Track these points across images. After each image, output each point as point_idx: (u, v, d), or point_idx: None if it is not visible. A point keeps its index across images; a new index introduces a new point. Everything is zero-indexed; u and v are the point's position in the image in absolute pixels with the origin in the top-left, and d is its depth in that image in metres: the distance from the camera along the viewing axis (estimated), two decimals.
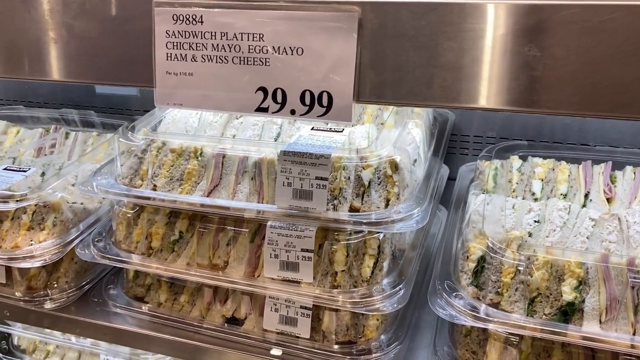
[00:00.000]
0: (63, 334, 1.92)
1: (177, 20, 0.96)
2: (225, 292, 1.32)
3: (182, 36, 0.96)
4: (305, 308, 1.23)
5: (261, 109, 0.95)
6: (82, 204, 1.51)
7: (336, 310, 1.21)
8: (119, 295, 1.43)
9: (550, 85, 0.78)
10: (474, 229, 1.18)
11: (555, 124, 1.68)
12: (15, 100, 2.22)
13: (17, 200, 1.40)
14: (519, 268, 1.07)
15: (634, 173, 1.30)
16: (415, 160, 1.30)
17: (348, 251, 1.18)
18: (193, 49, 0.96)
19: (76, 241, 1.42)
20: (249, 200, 1.23)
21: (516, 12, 0.77)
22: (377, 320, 1.23)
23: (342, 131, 1.28)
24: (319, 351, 1.23)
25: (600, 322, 1.02)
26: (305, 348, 1.24)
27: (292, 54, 0.91)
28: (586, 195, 1.28)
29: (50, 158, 1.68)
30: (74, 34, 1.03)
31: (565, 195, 1.28)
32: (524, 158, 1.41)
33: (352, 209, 1.17)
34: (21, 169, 1.57)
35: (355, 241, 1.18)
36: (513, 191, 1.32)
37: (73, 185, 1.52)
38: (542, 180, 1.33)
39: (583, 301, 1.03)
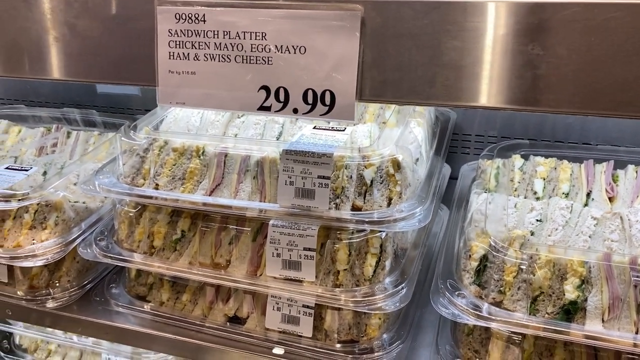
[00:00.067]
0: (65, 333, 1.92)
1: (179, 19, 0.96)
2: (228, 291, 1.33)
3: (184, 35, 0.96)
4: (308, 307, 1.23)
5: (264, 108, 0.95)
6: (84, 203, 1.51)
7: (338, 309, 1.21)
8: (121, 294, 1.43)
9: (553, 83, 0.78)
10: (476, 228, 1.18)
11: (557, 123, 1.68)
12: (16, 100, 2.22)
13: (19, 200, 1.40)
14: (522, 267, 1.07)
15: (636, 172, 1.30)
16: (417, 159, 1.30)
17: (350, 250, 1.18)
18: (195, 48, 0.96)
19: (78, 240, 1.42)
20: (251, 199, 1.23)
21: (519, 11, 0.77)
22: (380, 319, 1.23)
23: (344, 130, 1.28)
24: (321, 350, 1.23)
25: (603, 320, 1.02)
26: (307, 347, 1.24)
27: (294, 53, 0.91)
28: (588, 194, 1.28)
29: (51, 157, 1.68)
30: (76, 33, 1.02)
31: (567, 194, 1.28)
32: (525, 157, 1.41)
33: (355, 208, 1.17)
34: (23, 168, 1.57)
35: (358, 240, 1.18)
36: (515, 190, 1.32)
37: (75, 184, 1.52)
38: (544, 179, 1.33)
39: (585, 300, 1.03)
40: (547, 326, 1.03)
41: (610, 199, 1.26)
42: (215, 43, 0.95)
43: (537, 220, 1.19)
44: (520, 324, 1.04)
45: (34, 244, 1.39)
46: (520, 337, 1.09)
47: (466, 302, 1.08)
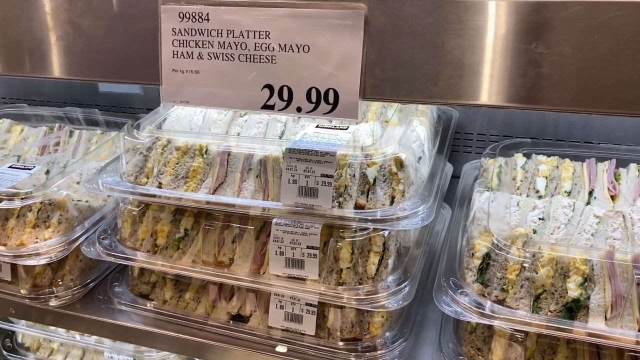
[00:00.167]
0: (67, 331, 1.92)
1: (183, 17, 0.96)
2: (231, 289, 1.33)
3: (188, 34, 0.96)
4: (311, 305, 1.24)
5: (267, 107, 0.95)
6: (87, 201, 1.51)
7: (341, 308, 1.22)
8: (124, 293, 1.43)
9: (556, 82, 0.78)
10: (478, 226, 1.19)
11: (559, 122, 1.68)
12: (19, 99, 2.22)
13: (22, 198, 1.40)
14: (524, 265, 1.07)
15: (638, 170, 1.31)
16: (420, 158, 1.30)
17: (353, 248, 1.18)
18: (199, 47, 0.96)
19: (81, 239, 1.43)
20: (254, 198, 1.23)
21: (522, 9, 0.77)
22: (382, 317, 1.23)
23: (346, 129, 1.29)
24: (324, 348, 1.23)
25: (606, 318, 1.02)
26: (310, 345, 1.24)
27: (298, 52, 0.91)
28: (590, 193, 1.28)
29: (54, 156, 1.68)
30: (79, 32, 1.03)
31: (570, 192, 1.29)
32: (527, 156, 1.41)
33: (357, 207, 1.17)
34: (26, 167, 1.58)
35: (361, 238, 1.18)
36: (517, 189, 1.32)
37: (78, 183, 1.52)
38: (546, 177, 1.33)
39: (588, 298, 1.03)
40: (549, 324, 1.03)
41: (613, 198, 1.26)
42: (218, 42, 0.95)
43: (540, 219, 1.19)
44: (523, 321, 1.05)
45: (37, 242, 1.40)
46: (523, 335, 1.09)
47: (469, 300, 1.09)
